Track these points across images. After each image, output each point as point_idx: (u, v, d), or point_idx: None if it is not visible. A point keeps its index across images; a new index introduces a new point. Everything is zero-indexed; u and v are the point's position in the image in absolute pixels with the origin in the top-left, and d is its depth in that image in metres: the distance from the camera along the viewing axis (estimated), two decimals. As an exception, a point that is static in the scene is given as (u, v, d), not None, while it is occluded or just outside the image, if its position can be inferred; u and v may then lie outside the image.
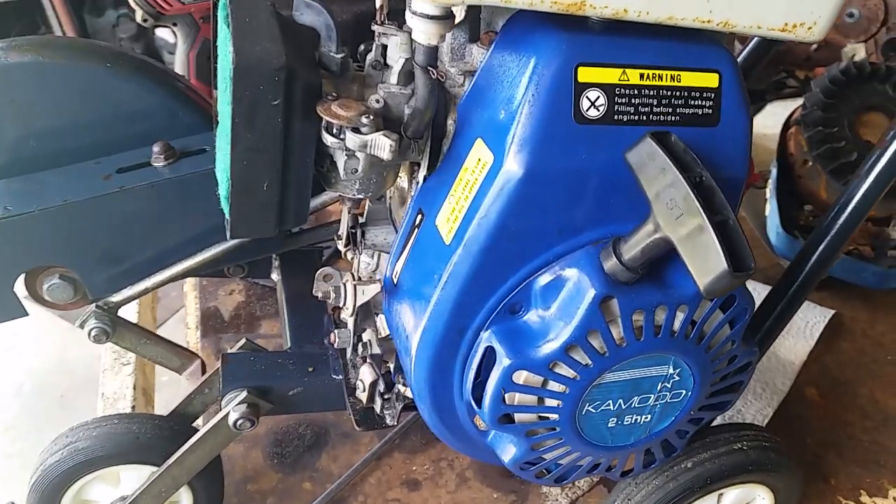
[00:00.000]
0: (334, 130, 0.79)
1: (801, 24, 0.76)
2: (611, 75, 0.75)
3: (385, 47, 0.84)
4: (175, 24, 1.89)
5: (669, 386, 0.85)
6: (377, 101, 0.81)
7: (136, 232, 1.18)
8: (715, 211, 0.69)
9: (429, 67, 0.76)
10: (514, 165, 0.73)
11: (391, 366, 1.04)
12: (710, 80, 0.79)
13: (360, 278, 0.99)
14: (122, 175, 1.16)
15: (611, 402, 0.83)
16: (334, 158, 0.83)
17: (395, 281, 0.91)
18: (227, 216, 0.85)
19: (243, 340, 1.17)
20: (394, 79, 0.83)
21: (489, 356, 0.82)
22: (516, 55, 0.76)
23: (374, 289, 0.91)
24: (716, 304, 0.81)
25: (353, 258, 1.07)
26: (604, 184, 0.77)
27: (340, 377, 1.13)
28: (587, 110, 0.74)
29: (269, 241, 1.19)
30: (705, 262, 0.68)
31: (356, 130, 0.77)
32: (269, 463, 1.33)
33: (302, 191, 0.84)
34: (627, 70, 0.75)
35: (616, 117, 0.76)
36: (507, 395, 0.81)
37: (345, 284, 0.98)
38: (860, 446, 1.33)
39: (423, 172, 0.86)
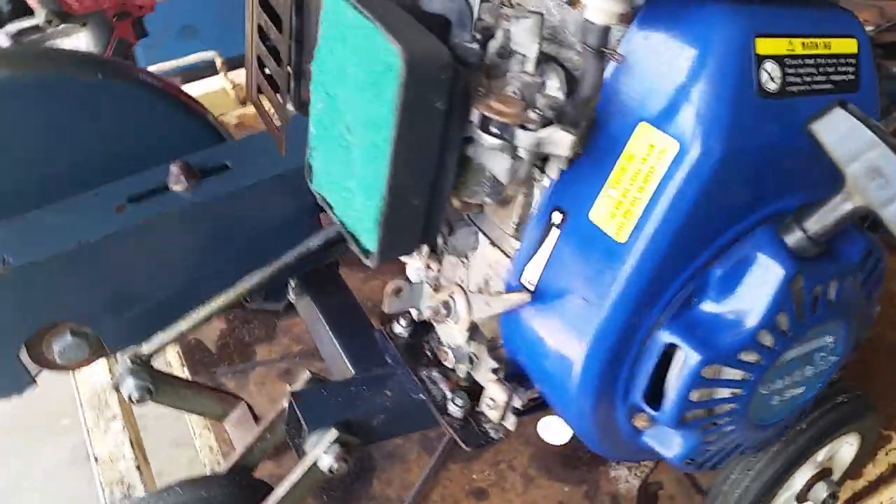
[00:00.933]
0: (493, 129, 0.70)
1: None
2: (781, 46, 0.72)
3: (508, 32, 0.76)
4: (84, 25, 1.65)
5: (826, 354, 0.84)
6: (514, 93, 0.74)
7: (161, 268, 1.03)
8: (919, 176, 0.68)
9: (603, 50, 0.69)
10: (708, 148, 0.69)
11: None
12: (852, 45, 0.78)
13: (478, 290, 0.90)
14: (137, 205, 1.00)
15: (781, 380, 0.82)
16: (480, 161, 0.74)
17: (533, 287, 0.83)
18: (358, 238, 0.75)
19: (307, 374, 1.05)
20: (530, 67, 0.75)
21: (664, 353, 0.78)
22: (676, 31, 0.71)
23: (517, 299, 0.83)
24: (869, 269, 0.81)
25: (438, 267, 0.98)
26: (781, 158, 0.74)
27: (422, 396, 1.04)
28: (765, 83, 0.71)
29: (312, 254, 1.08)
30: (922, 229, 0.67)
31: (523, 128, 0.69)
32: (319, 501, 1.22)
33: (443, 200, 0.75)
34: (793, 40, 0.73)
35: (788, 89, 0.73)
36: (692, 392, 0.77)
37: (452, 297, 0.90)
38: (882, 382, 1.41)
39: (556, 167, 0.79)
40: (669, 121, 0.71)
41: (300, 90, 0.89)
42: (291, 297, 1.28)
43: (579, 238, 0.78)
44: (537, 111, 0.69)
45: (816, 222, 0.72)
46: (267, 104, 0.93)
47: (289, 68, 0.84)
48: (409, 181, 0.69)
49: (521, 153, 0.71)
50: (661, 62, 0.72)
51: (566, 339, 0.80)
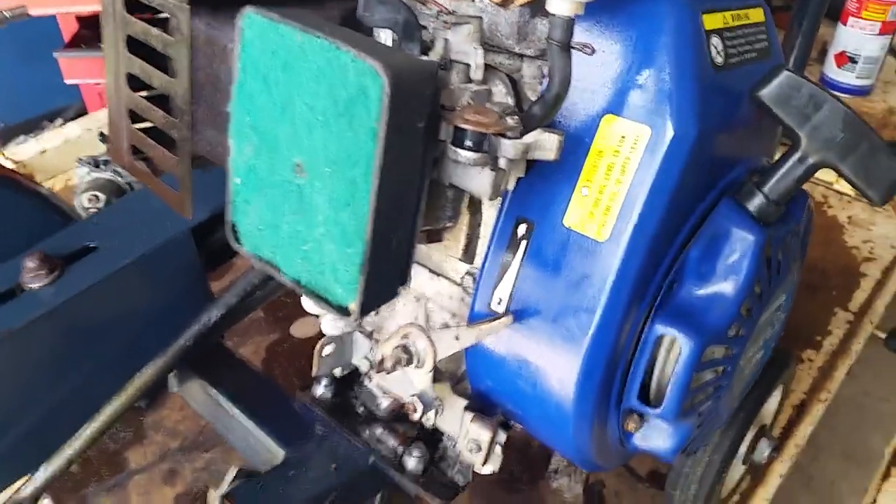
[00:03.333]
0: (468, 143, 0.63)
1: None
2: (719, 20, 0.72)
3: (447, 41, 0.70)
4: None
5: (781, 312, 0.87)
6: (470, 103, 0.68)
7: (30, 388, 0.82)
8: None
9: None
10: (683, 129, 0.67)
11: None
12: (761, 14, 0.81)
13: (446, 325, 0.82)
14: (-11, 316, 0.79)
15: (753, 347, 0.82)
16: (451, 181, 0.67)
17: (503, 310, 0.77)
18: (328, 295, 0.64)
19: (233, 471, 0.89)
20: (478, 75, 0.69)
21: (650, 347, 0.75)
22: (625, 16, 0.69)
23: (497, 326, 0.75)
24: (806, 222, 0.85)
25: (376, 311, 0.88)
26: (730, 129, 0.75)
27: (372, 458, 0.93)
28: (715, 57, 0.71)
29: (213, 329, 0.93)
30: (880, 175, 0.70)
31: (503, 136, 0.63)
32: None
33: (416, 233, 0.66)
34: (725, 13, 0.74)
35: (729, 61, 0.73)
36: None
37: (409, 339, 0.81)
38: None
39: (514, 177, 0.73)
40: (635, 107, 0.68)
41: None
42: (173, 386, 1.10)
43: (554, 246, 0.73)
44: (514, 118, 0.63)
45: (776, 186, 0.73)
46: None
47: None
48: (393, 217, 0.60)
49: (503, 164, 0.64)
50: (613, 50, 0.70)
51: (554, 357, 0.75)
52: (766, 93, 0.71)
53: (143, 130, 0.76)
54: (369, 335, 0.93)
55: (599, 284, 0.71)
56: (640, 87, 0.68)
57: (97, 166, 1.33)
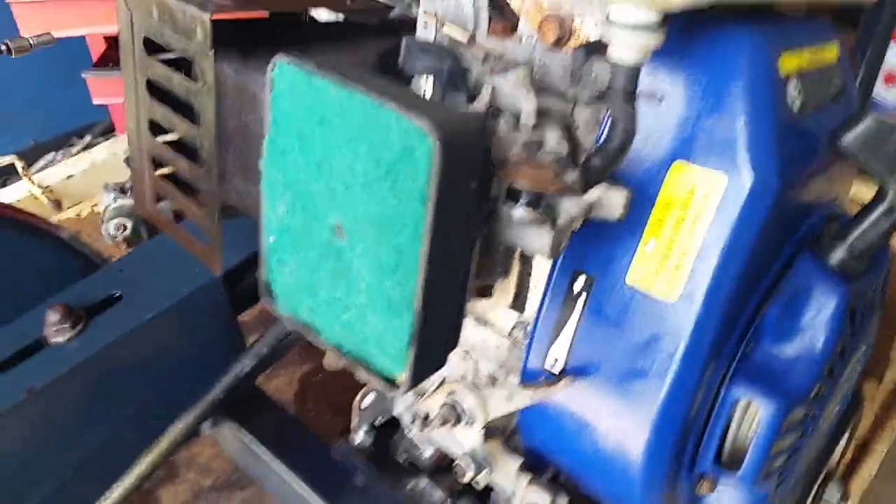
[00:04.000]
0: (524, 201, 0.57)
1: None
2: (796, 61, 0.66)
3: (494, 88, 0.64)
4: None
5: (859, 364, 0.80)
6: (522, 156, 0.61)
7: (56, 446, 0.78)
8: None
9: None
10: (765, 179, 0.60)
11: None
12: (835, 50, 0.74)
13: (492, 376, 0.76)
14: (9, 373, 0.75)
15: (832, 404, 0.76)
16: (504, 239, 0.61)
17: (561, 369, 0.71)
18: (374, 365, 0.58)
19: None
20: (529, 121, 0.63)
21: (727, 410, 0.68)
22: (693, 62, 0.63)
23: (554, 389, 0.69)
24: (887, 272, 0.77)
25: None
26: (806, 178, 0.68)
27: (418, 514, 0.88)
28: (792, 102, 0.64)
29: (244, 380, 0.88)
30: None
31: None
32: None
33: (466, 294, 0.60)
34: (802, 53, 0.67)
35: (807, 104, 0.67)
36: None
37: (455, 397, 0.75)
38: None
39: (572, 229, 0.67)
40: (710, 154, 0.62)
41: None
42: (205, 428, 1.05)
43: (617, 304, 0.67)
44: (574, 173, 0.57)
45: (861, 239, 0.67)
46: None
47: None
48: (444, 284, 0.54)
49: (562, 223, 0.58)
50: (681, 94, 0.63)
51: (620, 422, 0.68)
52: (852, 139, 0.64)
53: (168, 176, 0.71)
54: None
55: (671, 348, 0.64)
56: (713, 135, 0.61)
57: (123, 192, 1.29)
